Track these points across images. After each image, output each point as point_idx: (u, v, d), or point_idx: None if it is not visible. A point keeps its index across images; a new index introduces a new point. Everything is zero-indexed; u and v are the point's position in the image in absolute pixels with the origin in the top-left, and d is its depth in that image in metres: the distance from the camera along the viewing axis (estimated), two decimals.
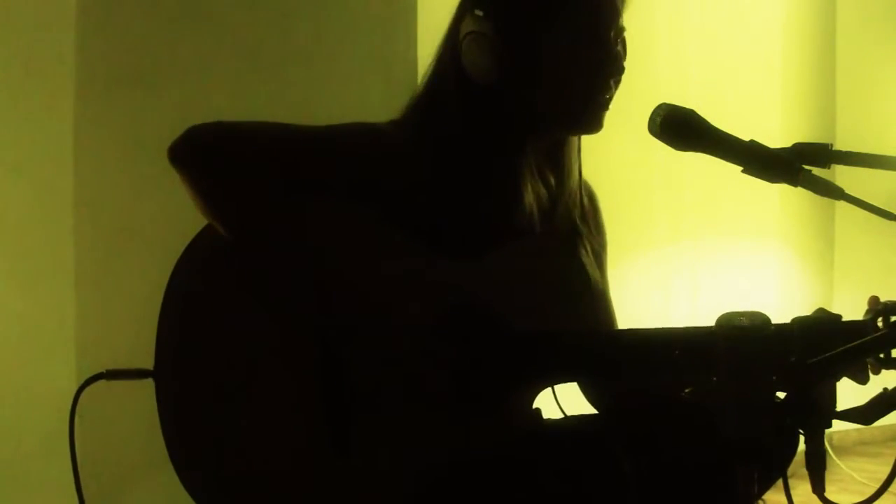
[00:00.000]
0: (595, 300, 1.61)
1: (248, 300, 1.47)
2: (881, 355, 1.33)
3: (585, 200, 1.66)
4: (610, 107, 1.54)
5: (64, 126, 2.15)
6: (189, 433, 1.44)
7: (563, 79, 1.51)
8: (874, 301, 1.38)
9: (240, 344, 1.46)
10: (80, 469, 1.54)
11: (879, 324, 1.35)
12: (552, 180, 1.61)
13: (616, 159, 3.39)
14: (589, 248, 1.65)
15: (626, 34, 1.54)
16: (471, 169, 1.51)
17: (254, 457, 1.44)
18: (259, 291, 1.48)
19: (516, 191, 1.54)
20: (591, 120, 1.54)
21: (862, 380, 1.36)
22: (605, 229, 1.72)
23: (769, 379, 1.05)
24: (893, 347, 1.33)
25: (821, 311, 1.42)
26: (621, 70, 1.52)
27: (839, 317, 1.39)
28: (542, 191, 1.59)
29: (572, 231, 1.62)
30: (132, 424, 2.00)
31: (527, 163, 1.56)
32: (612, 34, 1.51)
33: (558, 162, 1.61)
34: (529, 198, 1.55)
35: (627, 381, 1.57)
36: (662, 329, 1.45)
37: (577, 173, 1.63)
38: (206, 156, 1.43)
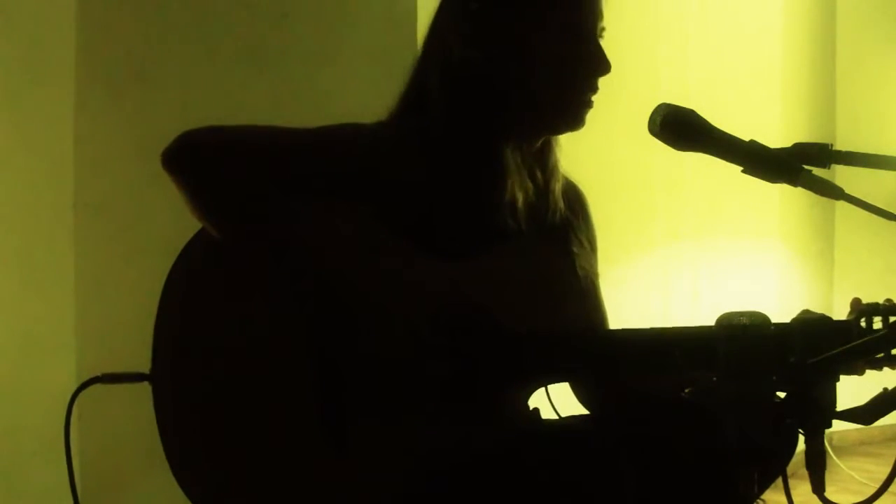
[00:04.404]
0: (586, 300, 1.61)
1: (244, 302, 1.48)
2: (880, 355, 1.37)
3: (573, 197, 1.65)
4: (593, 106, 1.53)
5: (64, 126, 2.15)
6: (186, 435, 1.45)
7: (551, 77, 1.50)
8: (856, 303, 1.42)
9: (236, 346, 1.46)
10: (77, 470, 1.54)
11: (862, 323, 1.41)
12: (539, 178, 1.60)
13: (616, 159, 3.39)
14: (584, 241, 1.64)
15: (605, 34, 1.53)
16: (458, 168, 1.51)
17: (250, 458, 1.44)
18: (254, 293, 1.48)
19: (503, 188, 1.52)
20: (574, 118, 1.53)
21: (859, 372, 1.37)
22: (596, 230, 1.71)
23: (769, 379, 1.05)
24: (892, 348, 1.34)
25: (806, 311, 1.45)
26: (607, 68, 1.51)
27: (828, 317, 1.43)
28: (531, 187, 1.57)
29: (563, 225, 1.61)
30: (129, 426, 2.00)
31: (514, 159, 1.54)
32: (596, 32, 1.51)
33: (545, 160, 1.60)
34: (517, 195, 1.54)
35: (623, 382, 1.58)
36: (659, 329, 1.45)
37: (560, 172, 1.62)
38: (199, 160, 1.44)
